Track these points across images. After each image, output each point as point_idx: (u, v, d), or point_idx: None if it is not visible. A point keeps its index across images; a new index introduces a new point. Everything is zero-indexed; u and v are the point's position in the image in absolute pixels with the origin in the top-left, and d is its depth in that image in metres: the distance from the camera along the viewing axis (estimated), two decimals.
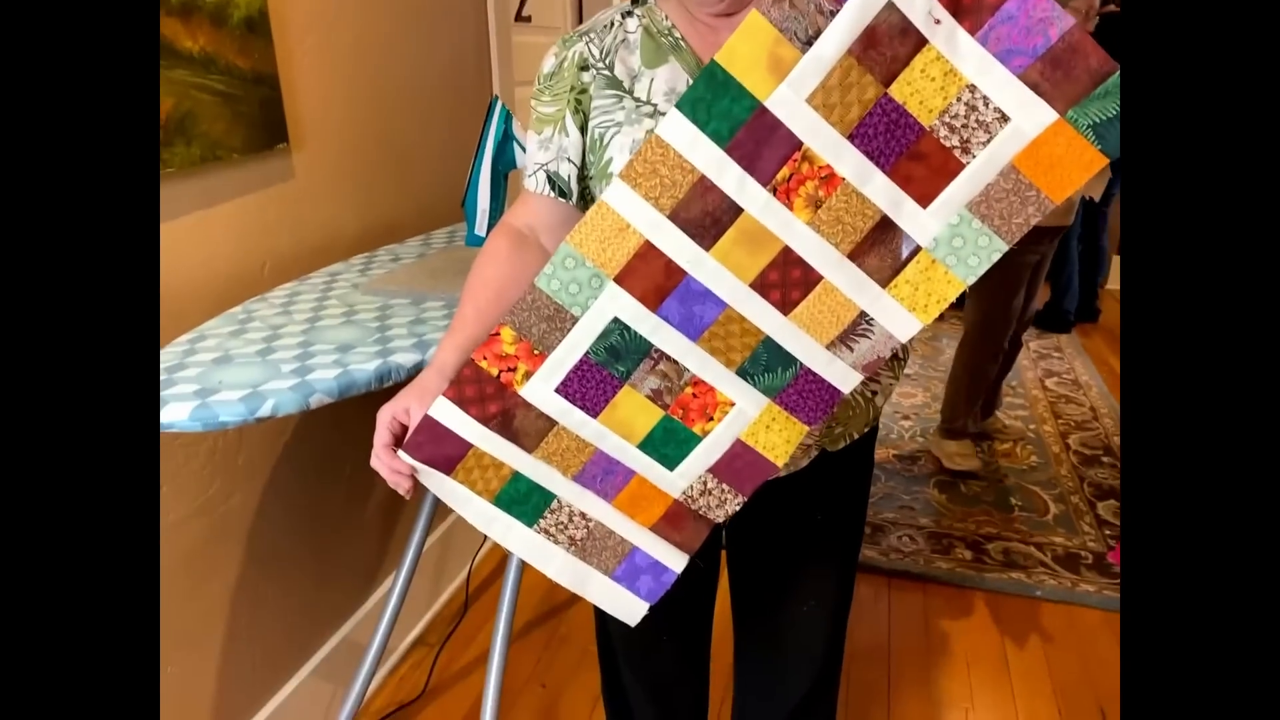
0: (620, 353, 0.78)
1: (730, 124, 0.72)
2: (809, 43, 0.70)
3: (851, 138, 0.72)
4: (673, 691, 1.24)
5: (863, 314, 0.77)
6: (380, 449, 0.83)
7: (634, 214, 0.74)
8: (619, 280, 0.76)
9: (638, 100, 0.87)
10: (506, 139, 1.56)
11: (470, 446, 0.82)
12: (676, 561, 0.88)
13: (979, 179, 0.73)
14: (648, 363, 0.79)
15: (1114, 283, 4.25)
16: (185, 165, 1.22)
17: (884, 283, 0.76)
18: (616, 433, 0.82)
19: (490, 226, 1.56)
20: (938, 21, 0.69)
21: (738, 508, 0.86)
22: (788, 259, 0.75)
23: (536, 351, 0.78)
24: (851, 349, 0.79)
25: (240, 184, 1.35)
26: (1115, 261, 4.26)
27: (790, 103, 0.71)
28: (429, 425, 0.81)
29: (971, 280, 0.76)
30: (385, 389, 1.04)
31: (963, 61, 0.70)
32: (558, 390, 0.80)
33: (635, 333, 0.78)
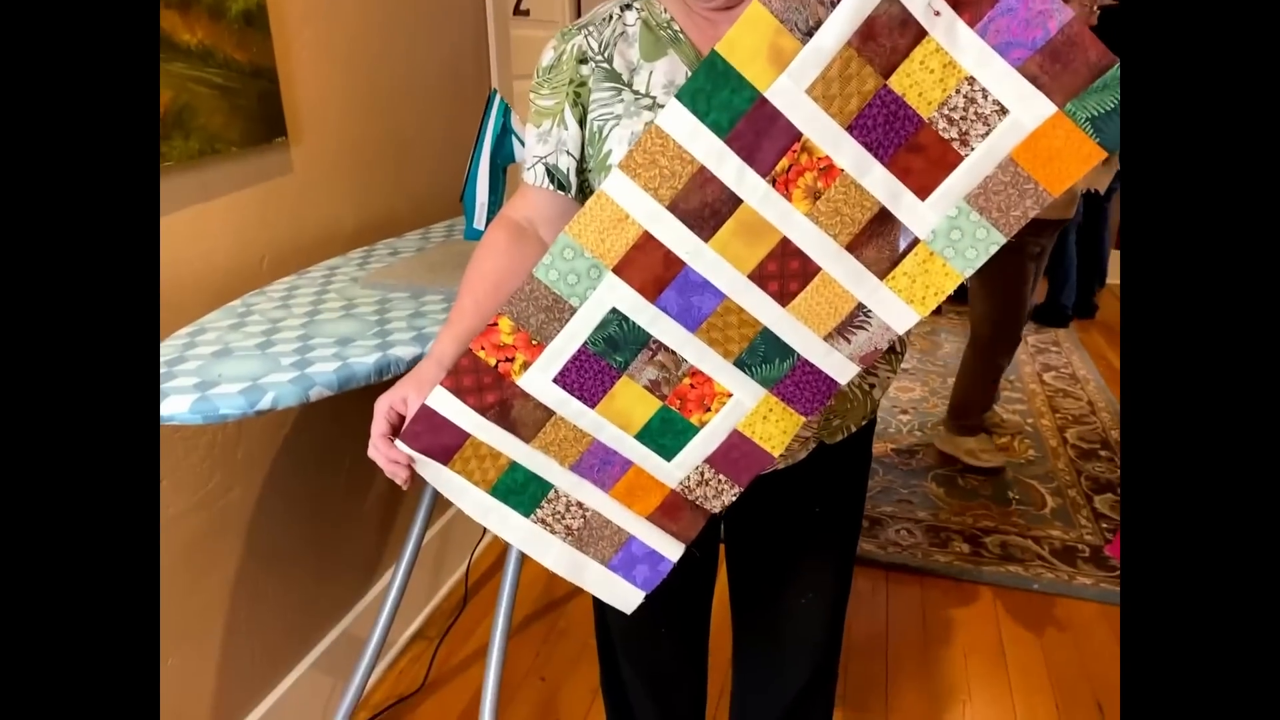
0: (618, 343, 0.78)
1: (730, 115, 0.72)
2: (809, 34, 0.70)
3: (851, 129, 0.72)
4: (671, 684, 1.24)
5: (860, 306, 0.77)
6: (377, 438, 0.83)
7: (633, 204, 0.74)
8: (617, 271, 0.76)
9: (636, 93, 0.87)
10: (505, 133, 1.56)
11: (467, 436, 0.82)
12: (673, 551, 0.88)
13: (977, 171, 0.73)
14: (646, 353, 0.79)
15: (1112, 278, 4.26)
16: (183, 159, 1.22)
17: (882, 275, 0.77)
18: (614, 423, 0.82)
19: (489, 220, 1.56)
20: (937, 13, 0.69)
21: (734, 498, 0.86)
22: (786, 250, 0.75)
23: (535, 342, 0.79)
24: (849, 340, 0.79)
25: (238, 177, 1.35)
26: (1113, 257, 4.26)
27: (790, 93, 0.71)
28: (426, 415, 0.81)
29: (969, 273, 0.76)
30: (385, 382, 1.04)
31: (962, 54, 0.70)
32: (555, 380, 0.80)
33: (633, 323, 0.78)
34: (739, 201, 0.74)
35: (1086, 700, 1.72)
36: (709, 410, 0.81)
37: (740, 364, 0.80)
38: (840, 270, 0.76)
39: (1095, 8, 2.43)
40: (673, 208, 0.74)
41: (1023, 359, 3.50)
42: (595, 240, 0.76)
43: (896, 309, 0.78)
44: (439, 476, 0.84)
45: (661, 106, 0.85)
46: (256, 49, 1.33)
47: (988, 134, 0.72)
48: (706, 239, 0.75)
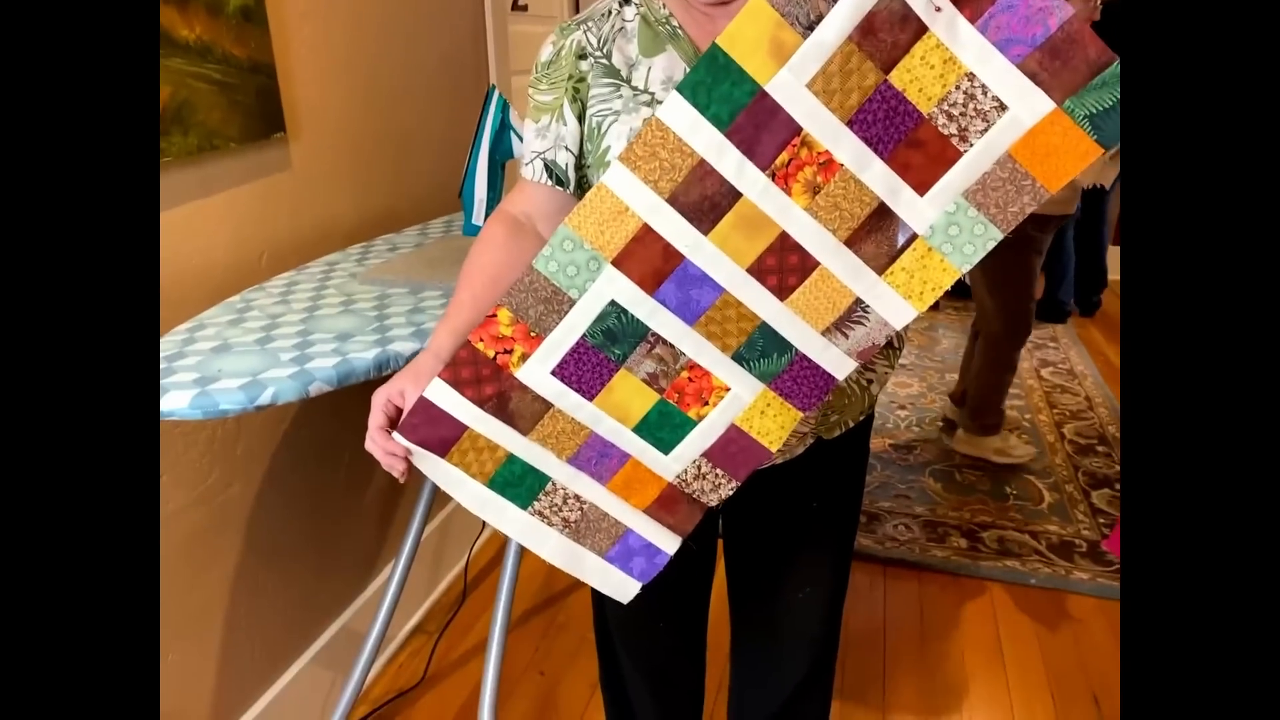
0: (617, 336, 0.79)
1: (730, 108, 0.72)
2: (810, 28, 0.70)
3: (851, 124, 0.72)
4: (670, 678, 1.24)
5: (858, 301, 0.78)
6: (375, 431, 0.83)
7: (633, 197, 0.74)
8: (617, 263, 0.76)
9: (635, 89, 0.87)
10: (504, 128, 1.56)
11: (465, 428, 0.82)
12: (669, 544, 0.89)
13: (976, 167, 0.73)
14: (644, 346, 0.79)
15: (1112, 273, 4.26)
16: (182, 154, 1.22)
17: (880, 270, 0.77)
18: (612, 416, 0.82)
19: (487, 216, 1.56)
20: (938, 9, 0.69)
21: (731, 493, 0.87)
22: (785, 245, 0.76)
23: (533, 334, 0.79)
24: (847, 335, 0.79)
25: (237, 173, 1.35)
26: (1111, 253, 4.26)
27: (790, 87, 0.71)
28: (424, 407, 0.81)
29: (967, 268, 0.76)
30: (384, 377, 1.04)
31: (962, 50, 0.70)
32: (554, 373, 0.80)
33: (632, 316, 0.78)
34: (738, 195, 0.74)
35: (1083, 694, 1.72)
36: (707, 404, 0.82)
37: (738, 358, 0.80)
38: (839, 265, 0.76)
39: (1098, 3, 2.43)
40: (672, 200, 0.74)
41: (1020, 354, 3.50)
42: (595, 232, 0.76)
43: (894, 304, 0.78)
44: (436, 469, 0.84)
45: (660, 103, 0.85)
46: (255, 45, 1.33)
47: (987, 130, 0.72)
48: (706, 232, 0.75)
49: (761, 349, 0.79)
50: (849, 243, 0.76)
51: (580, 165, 0.92)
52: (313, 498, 1.60)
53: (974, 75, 0.71)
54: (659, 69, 0.87)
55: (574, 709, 1.71)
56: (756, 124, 0.72)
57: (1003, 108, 0.71)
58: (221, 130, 1.28)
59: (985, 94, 0.71)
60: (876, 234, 0.76)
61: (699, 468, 0.85)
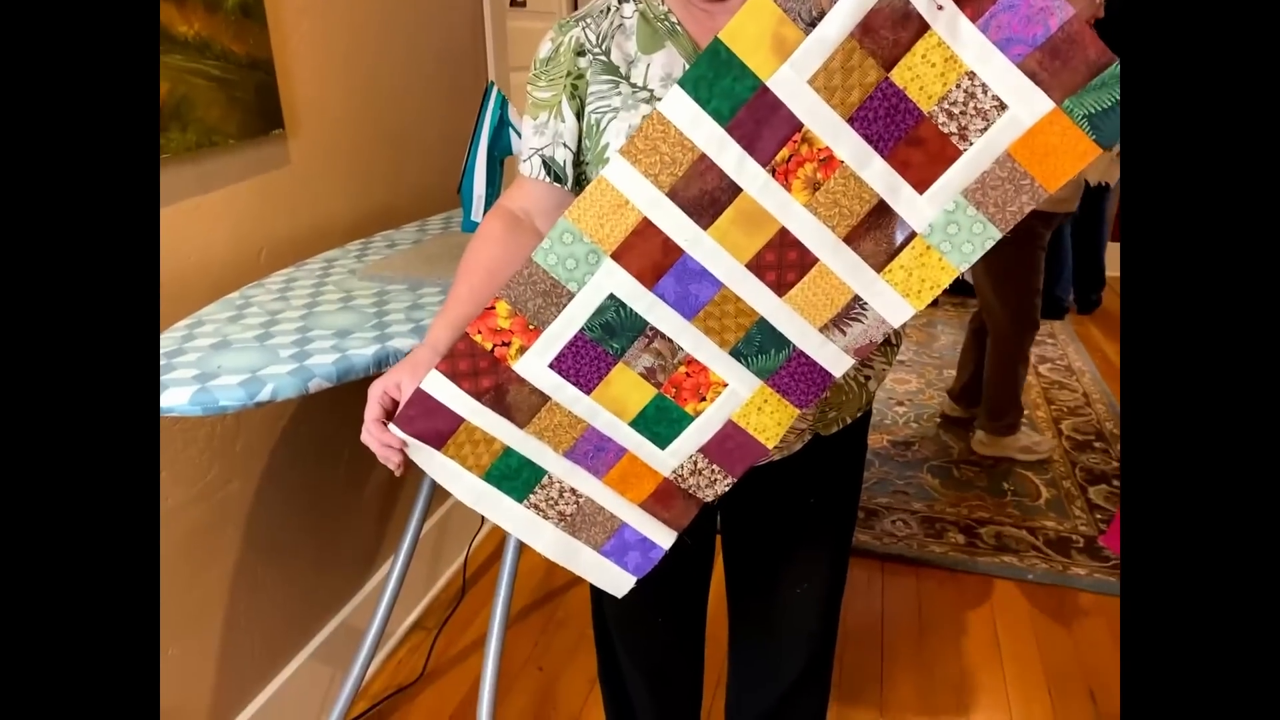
0: (615, 329, 0.79)
1: (732, 103, 0.72)
2: (812, 24, 0.70)
3: (851, 121, 0.72)
4: (668, 673, 1.25)
5: (856, 298, 0.78)
6: (371, 423, 0.83)
7: (633, 191, 0.74)
8: (616, 257, 0.76)
9: (634, 86, 0.87)
10: (502, 125, 1.56)
11: (462, 421, 0.82)
12: (665, 538, 0.89)
13: (975, 166, 0.74)
14: (642, 340, 0.79)
15: (1109, 269, 4.26)
16: (181, 151, 1.22)
17: (879, 267, 0.77)
18: (609, 410, 0.82)
19: (486, 212, 1.56)
20: (940, 7, 0.69)
21: (727, 488, 0.87)
22: (784, 241, 0.76)
23: (531, 326, 0.79)
24: (844, 332, 0.79)
25: (236, 170, 1.35)
26: (1109, 249, 4.27)
27: (792, 83, 0.71)
28: (421, 399, 0.81)
29: (965, 267, 0.77)
30: (382, 373, 1.04)
31: (963, 48, 0.70)
32: (551, 366, 0.80)
33: (631, 310, 0.78)
34: (738, 190, 0.74)
35: (1080, 689, 1.73)
36: (704, 399, 0.82)
37: (736, 354, 0.80)
38: (838, 262, 0.77)
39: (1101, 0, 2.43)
40: (672, 195, 0.74)
41: (1030, 347, 3.50)
42: (594, 225, 0.76)
43: (893, 302, 0.78)
44: (432, 461, 0.84)
45: (659, 100, 0.85)
46: (253, 41, 1.33)
47: (986, 129, 0.72)
48: (705, 227, 0.75)
49: (759, 345, 0.80)
50: (848, 240, 0.76)
51: (578, 162, 0.92)
52: (312, 494, 1.60)
53: (974, 74, 0.71)
54: (658, 65, 0.87)
55: (573, 704, 1.71)
56: (757, 119, 0.72)
57: (1002, 107, 0.72)
58: (220, 127, 1.28)
59: (985, 93, 0.71)
60: (875, 231, 0.76)
61: (695, 463, 0.85)
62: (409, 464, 0.84)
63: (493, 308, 0.78)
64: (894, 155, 0.73)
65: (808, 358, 0.80)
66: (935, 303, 4.07)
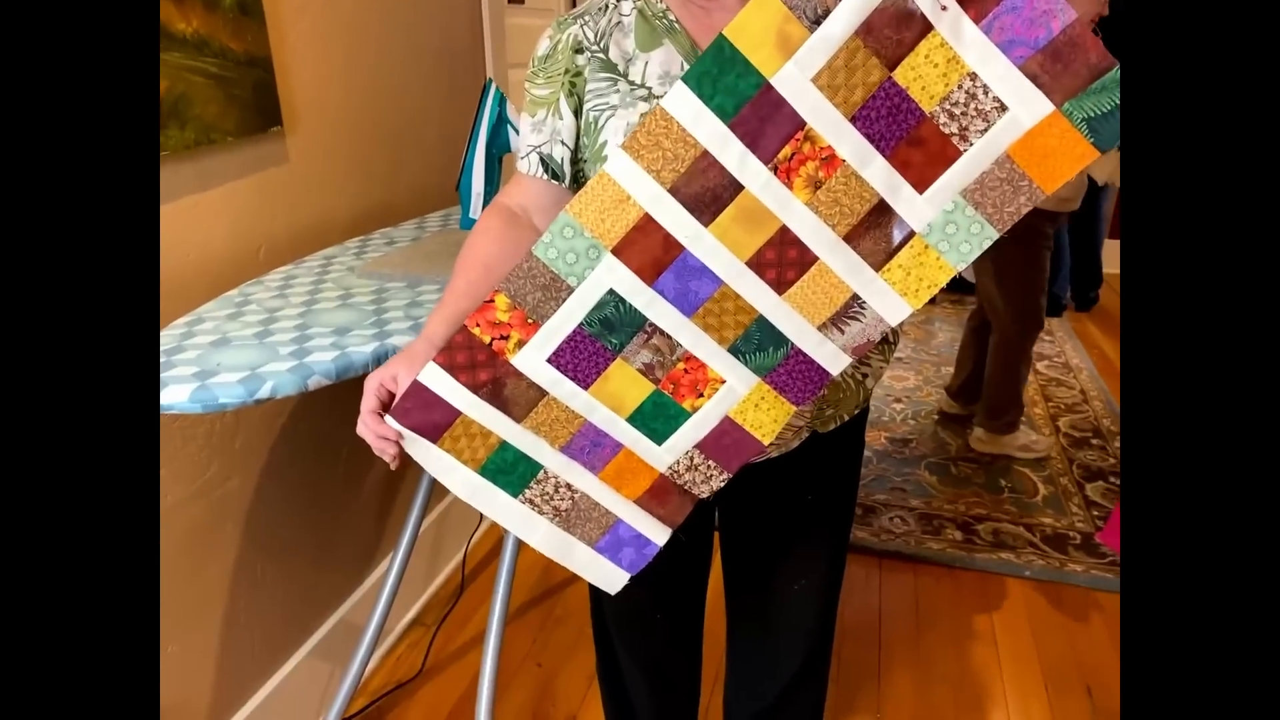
0: (614, 325, 0.79)
1: (735, 100, 0.72)
2: (817, 22, 0.70)
3: (854, 120, 0.72)
4: (666, 670, 1.25)
5: (855, 296, 0.78)
6: (367, 415, 0.82)
7: (635, 186, 0.74)
8: (616, 252, 0.76)
9: (632, 83, 0.87)
10: (501, 122, 1.56)
11: (458, 414, 0.82)
12: (659, 535, 0.89)
13: (975, 167, 0.74)
14: (641, 336, 0.79)
15: (1106, 267, 4.26)
16: (179, 148, 1.22)
17: (877, 266, 0.77)
18: (606, 405, 0.82)
19: (484, 209, 1.56)
20: (944, 8, 0.69)
21: (723, 485, 0.87)
22: (785, 239, 0.76)
23: (530, 320, 0.79)
24: (842, 331, 0.80)
25: (234, 167, 1.35)
26: (1107, 246, 4.27)
27: (796, 81, 0.71)
28: (418, 391, 0.81)
29: (962, 267, 0.77)
30: None
31: (966, 50, 0.71)
32: (550, 360, 0.80)
33: (630, 305, 0.78)
34: (740, 188, 0.74)
35: (1076, 685, 1.74)
36: (701, 396, 0.82)
37: (734, 351, 0.80)
38: (837, 261, 0.77)
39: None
40: (674, 191, 0.74)
41: (1033, 348, 3.51)
42: (595, 220, 0.76)
43: (891, 301, 0.78)
44: (427, 455, 0.84)
45: (657, 97, 0.86)
46: (252, 38, 1.33)
47: (987, 130, 0.73)
48: (707, 224, 0.75)
49: (758, 342, 0.80)
50: (848, 239, 0.76)
51: (576, 160, 0.92)
52: (311, 491, 1.60)
53: (976, 75, 0.71)
54: (656, 63, 0.87)
55: (571, 701, 1.72)
56: (761, 117, 0.72)
57: (1003, 108, 0.72)
58: (218, 124, 1.28)
59: (986, 94, 0.72)
60: (875, 230, 0.76)
61: (691, 459, 0.85)
62: (407, 460, 0.84)
63: (491, 301, 0.78)
64: (895, 155, 0.74)
65: (805, 355, 0.81)
66: (933, 300, 4.06)
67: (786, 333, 0.80)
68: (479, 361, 0.80)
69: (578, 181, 0.94)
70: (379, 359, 1.04)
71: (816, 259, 0.77)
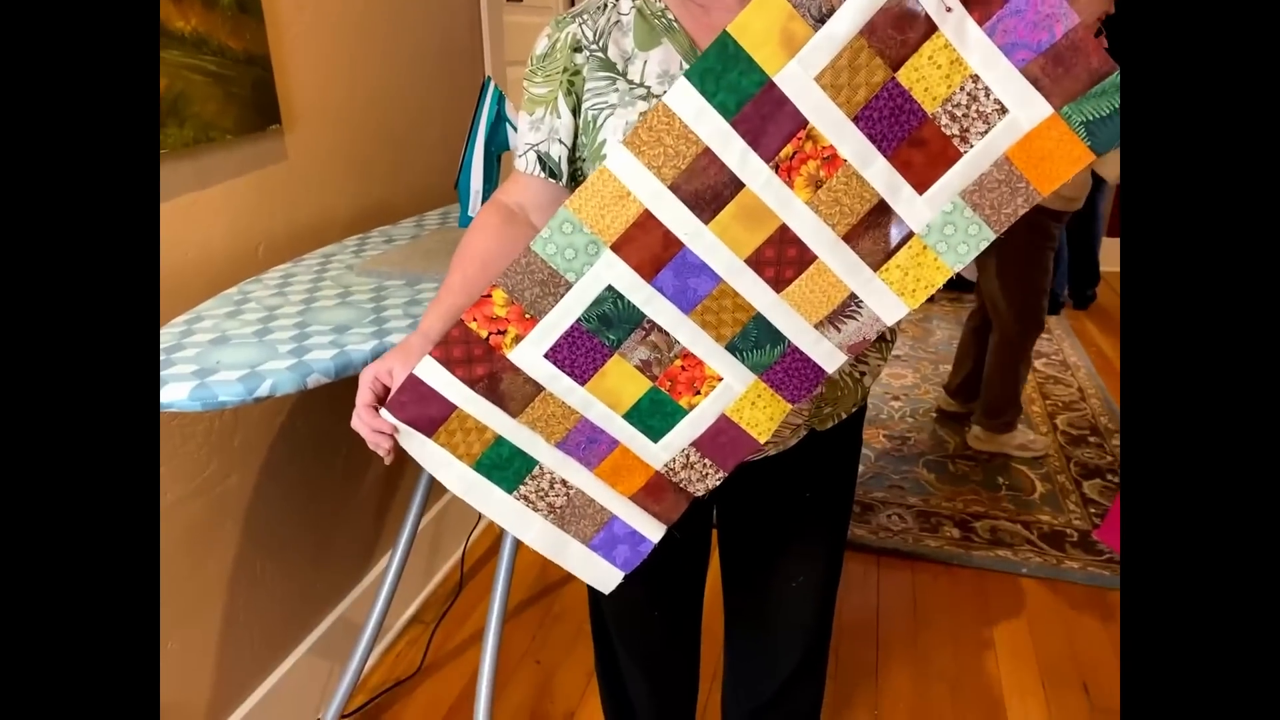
0: (612, 321, 0.79)
1: (738, 97, 0.72)
2: (821, 20, 0.70)
3: (856, 120, 0.72)
4: (665, 667, 1.26)
5: (853, 296, 0.78)
6: (362, 408, 0.82)
7: (635, 182, 0.74)
8: (616, 248, 0.76)
9: (631, 82, 0.87)
10: (499, 120, 1.56)
11: (454, 408, 0.81)
12: (654, 532, 0.89)
13: (974, 168, 0.74)
14: (639, 333, 0.79)
15: (1104, 265, 4.27)
16: (178, 146, 1.22)
17: (876, 266, 0.77)
18: (603, 401, 0.82)
19: None
20: (949, 9, 0.70)
21: (718, 483, 0.87)
22: (784, 237, 0.76)
23: (528, 315, 0.78)
24: (839, 330, 0.80)
25: (233, 165, 1.35)
26: (1105, 244, 4.28)
27: (799, 80, 0.71)
28: (413, 384, 0.80)
29: (959, 267, 0.77)
30: None
31: (970, 52, 0.71)
32: (547, 356, 0.80)
33: (628, 302, 0.78)
34: (741, 185, 0.74)
35: (1073, 681, 1.74)
36: (698, 393, 0.82)
37: (732, 348, 0.80)
38: (836, 260, 0.77)
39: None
40: (675, 188, 0.74)
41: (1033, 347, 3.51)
42: (595, 216, 0.75)
43: (888, 301, 0.79)
44: (422, 449, 0.83)
45: (656, 96, 0.86)
46: (250, 36, 1.33)
47: (987, 132, 0.73)
48: (707, 221, 0.75)
49: (755, 340, 0.80)
50: (847, 238, 0.76)
51: (574, 158, 0.93)
52: (310, 489, 1.61)
53: (978, 77, 0.71)
54: (655, 62, 0.87)
55: (570, 698, 1.72)
56: (763, 115, 0.72)
57: (1003, 110, 0.72)
58: (217, 122, 1.28)
59: (988, 96, 0.72)
60: (874, 231, 0.76)
61: (687, 457, 0.85)
62: (403, 456, 0.84)
63: (489, 295, 0.78)
64: (896, 156, 0.74)
65: (802, 354, 0.81)
66: (931, 298, 4.06)
67: (783, 330, 0.80)
68: (475, 356, 0.80)
69: (575, 180, 0.94)
70: (378, 357, 1.04)
71: (815, 258, 0.77)
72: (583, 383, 0.81)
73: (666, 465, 0.86)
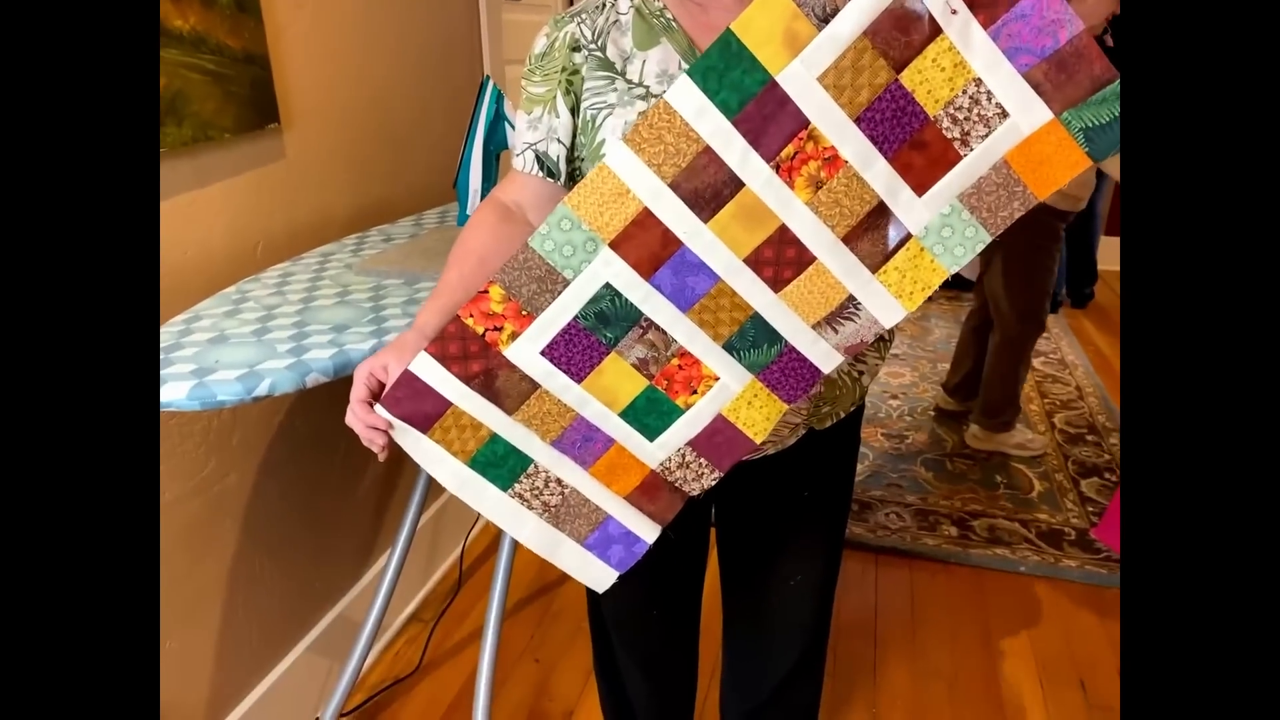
0: (609, 319, 0.78)
1: (740, 96, 0.72)
2: (825, 20, 0.70)
3: (858, 121, 0.72)
4: (663, 665, 1.26)
5: (851, 297, 0.78)
6: (356, 404, 0.82)
7: (635, 180, 0.74)
8: (614, 246, 0.76)
9: (630, 82, 0.87)
10: (498, 119, 1.56)
11: (449, 405, 0.81)
12: (649, 532, 0.89)
13: (973, 171, 0.74)
14: (636, 331, 0.79)
15: (1102, 264, 4.27)
16: (177, 145, 1.22)
17: (874, 268, 0.77)
18: (599, 400, 0.82)
19: None
20: (954, 12, 0.69)
21: (714, 483, 0.87)
22: (784, 238, 0.76)
23: (525, 312, 0.78)
24: (837, 331, 0.80)
25: (232, 164, 1.35)
26: (1103, 243, 4.28)
27: (801, 79, 0.71)
28: (409, 380, 0.80)
29: (955, 269, 0.77)
30: None
31: (973, 55, 0.71)
32: (543, 353, 0.80)
33: (626, 300, 0.78)
34: (741, 185, 0.74)
35: (1070, 679, 1.75)
36: (695, 393, 0.82)
37: (729, 347, 0.80)
38: (835, 261, 0.77)
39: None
40: (675, 186, 0.74)
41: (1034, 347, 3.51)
42: (594, 213, 0.75)
43: (885, 302, 0.79)
44: (418, 445, 0.83)
45: (655, 96, 0.86)
46: (249, 35, 1.33)
47: (987, 135, 0.73)
48: (706, 220, 0.75)
49: (752, 339, 0.80)
50: (846, 240, 0.76)
51: (572, 158, 0.93)
52: (309, 487, 1.61)
53: (981, 81, 0.71)
54: (654, 62, 0.87)
55: (569, 696, 1.73)
56: (765, 114, 0.72)
57: (1004, 115, 0.72)
58: (216, 121, 1.28)
59: (990, 100, 0.72)
60: (873, 232, 0.76)
61: (683, 456, 0.85)
62: (398, 452, 0.84)
63: (486, 292, 0.77)
64: (897, 158, 0.73)
65: (799, 354, 0.81)
66: (930, 296, 4.06)
67: (781, 330, 0.80)
68: (471, 352, 0.79)
69: (573, 179, 0.94)
70: None
71: (814, 259, 0.77)
72: (579, 380, 0.81)
73: (662, 464, 0.86)
